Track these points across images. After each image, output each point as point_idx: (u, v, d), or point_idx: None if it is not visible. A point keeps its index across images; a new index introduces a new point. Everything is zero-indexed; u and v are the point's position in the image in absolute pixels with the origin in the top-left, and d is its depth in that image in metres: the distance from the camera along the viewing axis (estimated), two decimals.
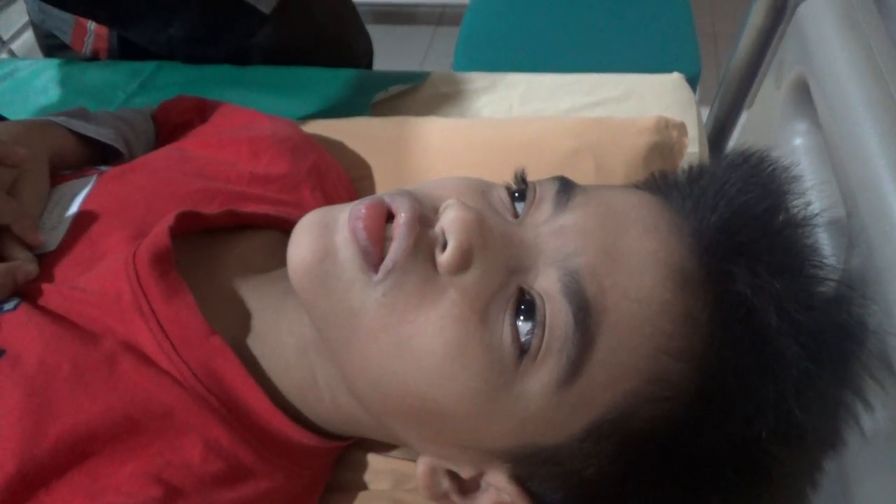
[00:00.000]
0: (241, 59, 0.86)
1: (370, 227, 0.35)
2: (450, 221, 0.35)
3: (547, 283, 0.35)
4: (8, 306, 0.38)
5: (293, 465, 0.42)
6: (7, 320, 0.37)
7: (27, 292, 0.39)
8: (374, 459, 0.49)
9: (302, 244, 0.36)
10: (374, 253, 0.35)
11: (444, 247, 0.35)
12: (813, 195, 0.46)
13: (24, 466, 0.34)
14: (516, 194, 0.39)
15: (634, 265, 0.35)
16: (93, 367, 0.37)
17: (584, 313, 0.33)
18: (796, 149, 0.52)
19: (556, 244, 0.36)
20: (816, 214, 0.39)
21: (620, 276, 0.34)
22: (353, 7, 0.98)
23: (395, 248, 0.35)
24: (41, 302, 0.39)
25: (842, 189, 0.40)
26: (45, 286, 0.39)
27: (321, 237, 0.36)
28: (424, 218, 0.37)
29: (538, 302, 0.34)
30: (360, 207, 0.36)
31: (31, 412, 0.35)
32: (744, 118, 0.78)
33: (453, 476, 0.40)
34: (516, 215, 0.39)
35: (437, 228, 0.36)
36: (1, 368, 0.36)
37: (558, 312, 0.34)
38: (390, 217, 0.36)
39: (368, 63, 1.02)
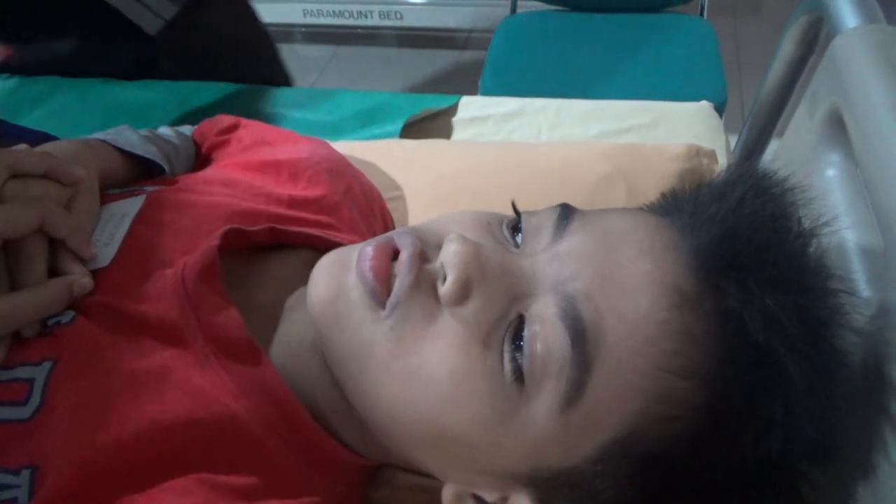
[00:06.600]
0: (149, 64, 0.91)
1: (376, 268, 0.37)
2: (448, 255, 0.37)
3: (544, 309, 0.36)
4: (64, 319, 0.39)
5: (328, 480, 0.43)
6: (63, 332, 0.39)
7: (82, 306, 0.40)
8: (405, 477, 0.49)
9: (318, 285, 0.39)
10: (380, 291, 0.37)
11: (445, 280, 0.37)
12: (847, 225, 0.47)
13: (82, 472, 0.35)
14: (519, 224, 0.40)
15: (630, 286, 0.35)
16: (144, 378, 0.38)
17: (581, 337, 0.34)
18: (830, 179, 0.53)
19: (553, 270, 0.37)
20: (818, 227, 0.39)
21: (616, 298, 0.35)
22: (252, 13, 1.04)
23: (398, 285, 0.37)
24: (95, 315, 0.40)
25: (878, 220, 0.41)
26: (99, 300, 0.40)
27: (334, 278, 0.39)
28: (426, 254, 0.39)
29: (525, 329, 0.35)
30: (367, 249, 0.38)
31: (86, 421, 0.36)
32: (773, 146, 0.78)
33: (479, 501, 0.40)
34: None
35: (438, 263, 0.38)
36: (56, 378, 0.37)
37: (556, 337, 0.35)
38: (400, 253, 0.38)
39: (280, 66, 1.08)
